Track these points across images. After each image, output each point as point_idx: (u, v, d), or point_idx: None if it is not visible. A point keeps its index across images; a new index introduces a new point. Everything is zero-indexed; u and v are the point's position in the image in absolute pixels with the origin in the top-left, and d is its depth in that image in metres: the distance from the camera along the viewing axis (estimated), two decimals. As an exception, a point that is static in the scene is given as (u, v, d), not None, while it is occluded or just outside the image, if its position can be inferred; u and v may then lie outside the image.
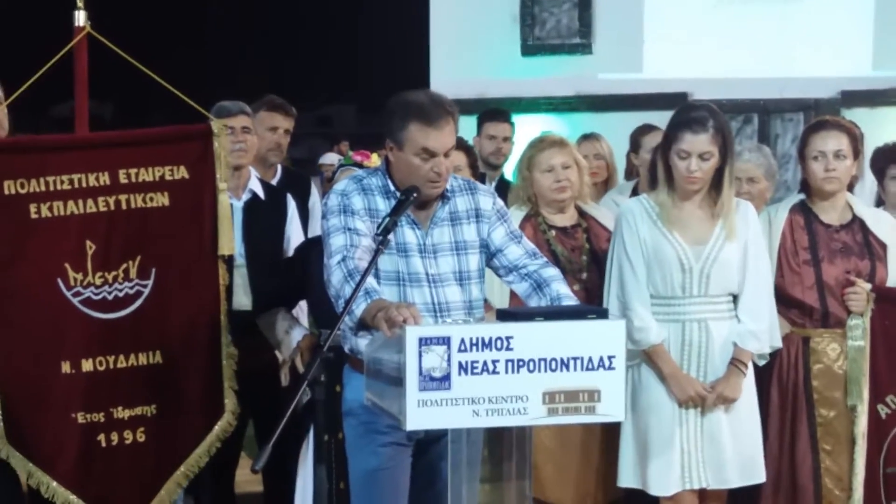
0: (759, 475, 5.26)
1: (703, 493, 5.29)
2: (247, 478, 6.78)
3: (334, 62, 25.86)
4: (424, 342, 3.80)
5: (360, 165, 5.57)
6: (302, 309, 5.99)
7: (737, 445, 5.20)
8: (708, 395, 5.13)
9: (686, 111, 5.32)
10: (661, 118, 7.41)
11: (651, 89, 11.26)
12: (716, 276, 5.16)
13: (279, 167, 6.88)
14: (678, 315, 5.20)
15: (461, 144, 6.46)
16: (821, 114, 10.88)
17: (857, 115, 8.83)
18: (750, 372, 5.26)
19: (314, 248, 5.61)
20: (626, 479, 5.35)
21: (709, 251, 5.16)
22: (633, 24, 11.69)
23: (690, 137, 5.14)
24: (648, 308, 5.19)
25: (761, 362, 5.36)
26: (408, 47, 14.65)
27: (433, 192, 4.47)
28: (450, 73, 11.46)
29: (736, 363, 5.17)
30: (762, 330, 5.20)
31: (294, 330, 5.59)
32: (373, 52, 24.63)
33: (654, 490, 5.25)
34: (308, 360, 5.54)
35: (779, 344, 5.33)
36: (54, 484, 5.25)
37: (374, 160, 5.60)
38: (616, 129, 8.09)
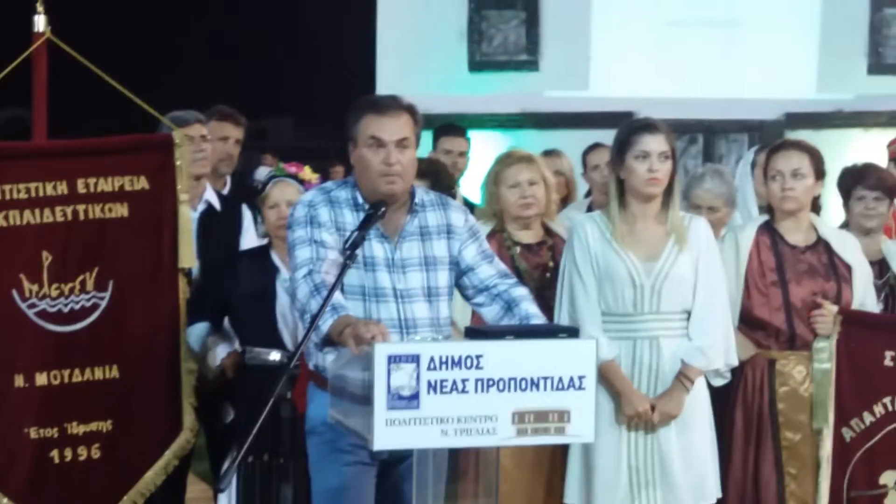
0: (710, 497, 5.23)
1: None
2: (196, 495, 6.71)
3: (273, 74, 25.79)
4: (393, 360, 3.72)
5: (295, 177, 5.53)
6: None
7: (687, 466, 5.16)
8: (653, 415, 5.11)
9: (635, 121, 5.38)
10: (606, 136, 7.42)
11: (597, 107, 11.31)
12: (667, 292, 5.14)
13: (228, 178, 6.82)
14: (629, 332, 5.17)
15: None
16: (765, 135, 11.03)
17: (801, 137, 8.89)
18: (704, 391, 5.25)
19: (240, 261, 5.57)
20: (572, 496, 5.32)
21: (660, 267, 5.15)
22: (580, 42, 11.73)
23: (648, 138, 5.13)
24: (599, 325, 5.15)
25: (717, 382, 5.33)
26: (353, 61, 14.62)
27: (388, 188, 4.35)
28: (396, 88, 11.28)
29: (680, 378, 5.14)
30: (710, 346, 5.16)
31: (218, 346, 5.52)
32: (315, 66, 24.57)
33: None
34: (230, 376, 5.50)
35: (734, 362, 5.30)
36: (5, 500, 5.18)
37: (308, 172, 5.58)
38: (562, 147, 8.08)
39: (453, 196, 5.73)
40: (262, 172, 7.11)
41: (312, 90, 25.11)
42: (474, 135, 8.19)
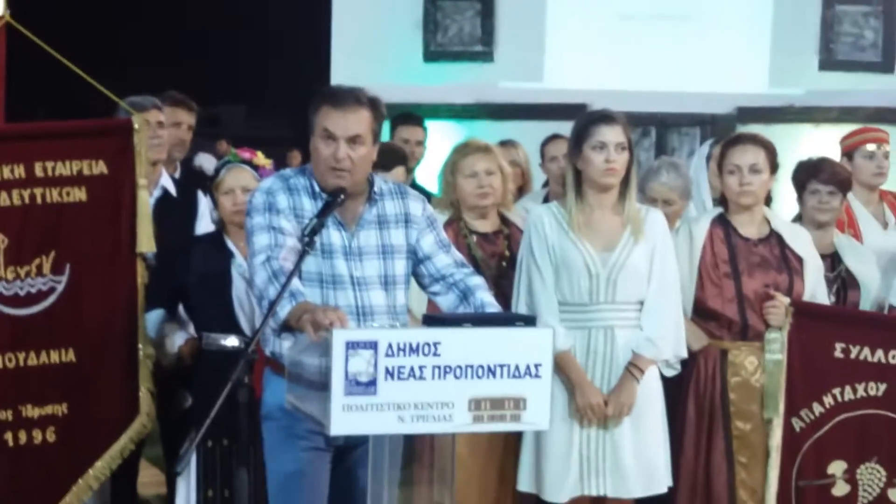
0: (661, 485, 5.29)
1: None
2: (147, 479, 6.71)
3: (226, 62, 25.68)
4: (351, 346, 3.73)
5: (249, 163, 5.53)
6: None
7: (639, 455, 5.22)
8: (607, 409, 5.16)
9: (592, 112, 5.42)
10: (560, 128, 7.50)
11: (551, 99, 11.32)
12: (623, 282, 5.20)
13: (178, 164, 6.83)
14: (585, 322, 5.22)
15: None
16: (717, 129, 11.10)
17: (752, 131, 8.96)
18: (656, 381, 5.31)
19: (194, 247, 5.57)
20: (524, 483, 5.38)
21: (616, 257, 5.20)
22: (534, 34, 11.73)
23: (605, 129, 5.19)
24: (556, 314, 5.20)
25: (668, 372, 5.39)
26: (308, 50, 14.57)
27: (335, 182, 4.36)
28: (351, 78, 11.22)
29: (631, 369, 5.20)
30: (661, 337, 5.23)
31: (174, 333, 5.53)
32: (270, 54, 24.49)
33: (548, 496, 5.27)
34: (187, 362, 5.50)
35: (683, 353, 5.36)
36: (-43, 482, 5.17)
37: (261, 158, 5.59)
38: (516, 138, 8.10)
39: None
40: (202, 158, 7.08)
41: (266, 78, 25.05)
42: (429, 125, 8.21)
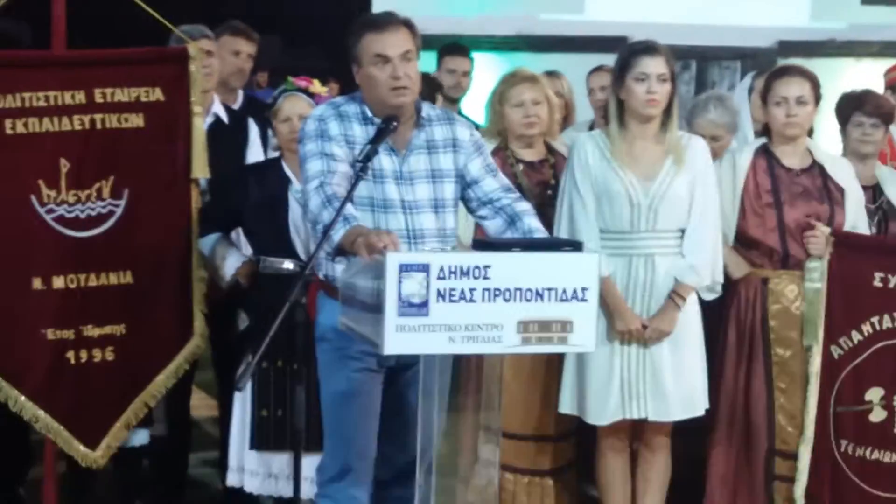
0: (699, 409, 5.40)
1: (645, 427, 5.45)
2: (197, 402, 6.84)
3: (264, -8, 25.57)
4: (404, 268, 3.82)
5: (305, 91, 5.59)
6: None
7: (678, 379, 5.32)
8: (645, 332, 5.26)
9: (635, 43, 5.47)
10: (600, 60, 7.54)
11: (591, 32, 11.32)
12: (664, 211, 5.27)
13: (241, 93, 6.90)
14: (626, 249, 5.31)
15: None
16: (758, 63, 11.09)
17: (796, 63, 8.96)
18: (695, 307, 5.40)
19: (252, 173, 5.65)
20: (566, 405, 5.49)
21: (657, 186, 5.27)
22: (576, -35, 11.73)
23: (648, 59, 5.26)
24: (597, 241, 5.27)
25: (708, 296, 5.46)
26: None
27: (400, 100, 4.45)
28: (392, 7, 11.34)
29: (673, 297, 5.29)
30: (702, 264, 5.30)
31: (231, 257, 5.60)
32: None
33: (591, 418, 5.39)
34: (245, 285, 5.58)
35: (721, 279, 5.42)
36: (22, 398, 5.29)
37: (317, 85, 5.62)
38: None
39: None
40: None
41: (304, 9, 24.94)
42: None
